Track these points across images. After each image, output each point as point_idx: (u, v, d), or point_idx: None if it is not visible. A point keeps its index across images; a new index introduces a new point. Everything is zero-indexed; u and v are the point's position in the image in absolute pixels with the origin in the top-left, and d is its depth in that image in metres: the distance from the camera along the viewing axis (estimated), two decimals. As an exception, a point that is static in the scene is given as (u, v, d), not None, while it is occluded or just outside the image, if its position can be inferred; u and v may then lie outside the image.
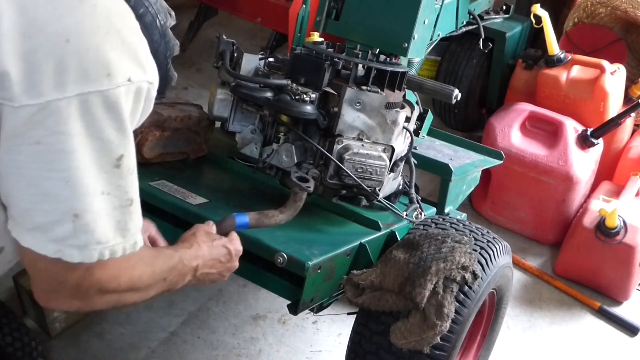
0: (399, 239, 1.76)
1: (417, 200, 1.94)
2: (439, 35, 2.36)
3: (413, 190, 1.95)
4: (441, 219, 1.84)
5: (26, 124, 0.89)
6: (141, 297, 1.14)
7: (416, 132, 2.20)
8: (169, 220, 1.67)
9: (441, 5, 2.28)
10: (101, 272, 1.02)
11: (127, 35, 0.96)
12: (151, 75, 0.99)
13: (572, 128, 2.90)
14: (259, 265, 1.62)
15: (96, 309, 1.09)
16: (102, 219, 0.98)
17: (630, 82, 3.17)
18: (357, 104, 1.69)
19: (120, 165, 0.98)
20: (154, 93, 1.02)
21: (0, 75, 0.86)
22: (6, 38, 0.86)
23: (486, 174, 2.89)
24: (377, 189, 1.77)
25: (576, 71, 3.07)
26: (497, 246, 1.77)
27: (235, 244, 1.41)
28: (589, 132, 2.88)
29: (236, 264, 1.42)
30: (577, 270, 2.77)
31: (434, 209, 2.11)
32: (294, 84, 1.70)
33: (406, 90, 1.92)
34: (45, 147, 0.91)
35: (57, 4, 0.90)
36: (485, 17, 3.23)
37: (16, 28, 0.87)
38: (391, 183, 1.88)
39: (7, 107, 0.88)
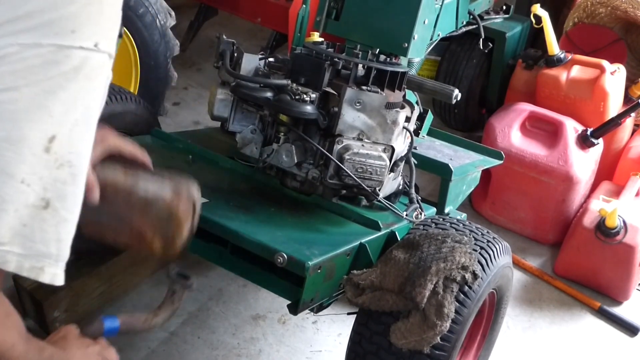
0: (399, 239, 1.76)
1: (417, 200, 1.94)
2: (439, 35, 2.36)
3: (413, 190, 1.95)
4: (441, 219, 1.84)
5: None
6: None
7: (416, 132, 2.20)
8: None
9: (441, 5, 2.28)
10: None
11: (106, 4, 0.85)
12: (113, 48, 0.85)
13: (572, 128, 2.90)
14: (259, 265, 1.63)
15: None
16: (8, 213, 0.79)
17: (630, 82, 3.17)
18: (357, 104, 1.69)
19: (49, 149, 0.80)
20: (111, 75, 0.88)
21: None
22: None
23: (486, 174, 2.89)
24: (377, 189, 1.77)
25: (576, 71, 3.07)
26: (497, 246, 1.77)
27: (111, 353, 1.21)
28: (589, 132, 2.88)
29: None
30: (577, 270, 2.77)
31: (434, 209, 2.11)
32: (294, 84, 1.70)
33: (406, 90, 1.92)
34: None
35: None
36: (485, 17, 3.23)
37: None
38: (391, 183, 1.88)
39: None
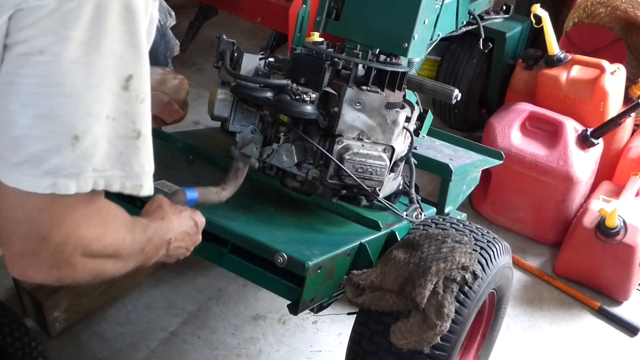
0: (399, 239, 1.76)
1: (417, 200, 1.94)
2: (439, 35, 2.36)
3: (413, 190, 1.95)
4: (441, 219, 1.84)
5: (35, 29, 0.82)
6: (121, 269, 1.06)
7: (416, 132, 2.20)
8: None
9: (441, 5, 2.28)
10: (88, 228, 0.93)
11: None
12: None
13: (572, 128, 2.90)
14: (259, 265, 1.63)
15: (76, 280, 0.97)
16: (103, 145, 0.89)
17: (630, 82, 3.17)
18: (357, 104, 1.69)
19: (128, 87, 0.90)
20: (157, 14, 0.96)
21: None
22: None
23: (486, 174, 2.89)
24: (377, 189, 1.77)
25: (576, 71, 3.07)
26: (497, 246, 1.77)
27: (199, 216, 1.37)
28: (589, 132, 2.88)
29: (200, 237, 1.37)
30: (577, 270, 2.77)
31: (434, 209, 2.11)
32: (294, 84, 1.70)
33: (406, 90, 1.92)
34: (49, 57, 0.83)
35: None
36: (485, 17, 3.23)
37: None
38: (391, 183, 1.88)
39: (19, 12, 0.81)
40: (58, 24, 0.82)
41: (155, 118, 1.86)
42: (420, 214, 1.90)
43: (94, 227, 0.94)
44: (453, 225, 1.80)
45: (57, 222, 0.89)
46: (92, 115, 0.86)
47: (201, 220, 1.37)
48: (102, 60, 0.86)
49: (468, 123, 3.67)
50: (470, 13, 2.73)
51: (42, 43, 0.82)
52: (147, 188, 0.97)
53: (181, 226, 1.29)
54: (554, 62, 3.10)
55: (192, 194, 1.45)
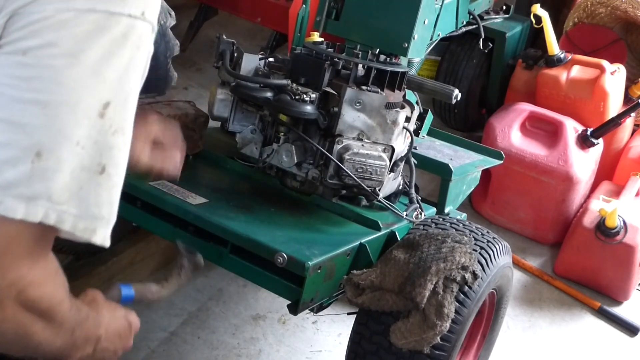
0: (399, 239, 1.76)
1: (417, 200, 1.94)
2: (439, 35, 2.35)
3: (413, 190, 1.95)
4: (441, 219, 1.84)
5: (23, 31, 0.78)
6: (48, 339, 0.91)
7: (416, 132, 2.20)
8: (169, 220, 1.67)
9: (441, 5, 2.28)
10: (29, 268, 0.83)
11: None
12: (156, 20, 0.89)
13: (572, 128, 2.90)
14: (259, 265, 1.63)
15: (5, 331, 0.85)
16: (64, 173, 0.81)
17: (630, 82, 3.17)
18: (357, 104, 1.69)
19: (104, 115, 0.83)
20: (152, 49, 0.90)
21: None
22: None
23: (486, 174, 2.89)
24: (377, 189, 1.77)
25: (576, 71, 3.07)
26: (497, 246, 1.77)
27: (134, 318, 1.23)
28: (589, 132, 2.88)
29: (131, 342, 1.23)
30: (577, 270, 2.77)
31: (434, 209, 2.11)
32: (294, 84, 1.70)
33: (406, 90, 1.92)
34: (31, 59, 0.78)
35: None
36: (485, 17, 3.23)
37: None
38: (391, 183, 1.88)
39: (15, 16, 0.79)
40: (48, 29, 0.79)
41: None
42: (420, 214, 1.90)
43: (37, 269, 0.84)
44: (453, 225, 1.80)
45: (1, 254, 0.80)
46: (63, 135, 0.80)
47: (136, 323, 1.24)
48: (85, 78, 0.81)
49: (468, 123, 3.67)
50: (470, 13, 2.73)
51: (28, 45, 0.78)
52: (100, 235, 0.87)
53: (113, 325, 1.15)
54: (554, 62, 3.10)
55: (128, 291, 1.37)
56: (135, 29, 0.85)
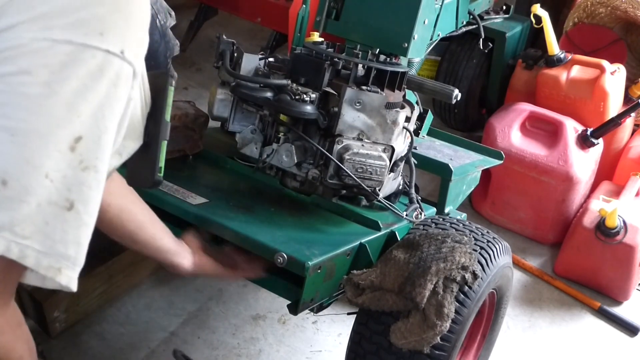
0: (399, 239, 1.76)
1: (417, 200, 1.94)
2: (439, 35, 2.35)
3: (413, 190, 1.95)
4: (441, 219, 1.84)
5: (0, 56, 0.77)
6: None
7: (416, 132, 2.20)
8: (169, 220, 1.67)
9: (441, 5, 2.28)
10: None
11: (136, 11, 0.86)
12: (138, 66, 0.86)
13: (572, 128, 2.90)
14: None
15: None
16: (30, 205, 0.78)
17: (630, 82, 3.17)
18: (357, 104, 1.69)
19: (75, 149, 0.80)
20: (136, 92, 0.88)
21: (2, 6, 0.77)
22: None
23: (486, 174, 2.89)
24: (377, 189, 1.77)
25: (576, 71, 3.07)
26: (497, 246, 1.77)
27: None
28: (589, 132, 2.88)
29: None
30: (577, 270, 2.77)
31: (434, 209, 2.11)
32: (294, 84, 1.70)
33: (406, 90, 1.92)
34: (4, 85, 0.77)
35: None
36: (485, 17, 3.23)
37: None
38: (391, 183, 1.88)
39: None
40: (23, 56, 0.77)
41: (179, 150, 1.92)
42: (420, 214, 1.90)
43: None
44: (453, 225, 1.80)
45: None
46: (31, 164, 0.77)
47: None
48: (58, 109, 0.78)
49: (468, 123, 3.67)
50: (470, 13, 2.73)
51: (1, 71, 0.77)
52: (65, 275, 0.82)
53: None
54: (554, 62, 3.10)
55: None
56: (113, 65, 0.82)
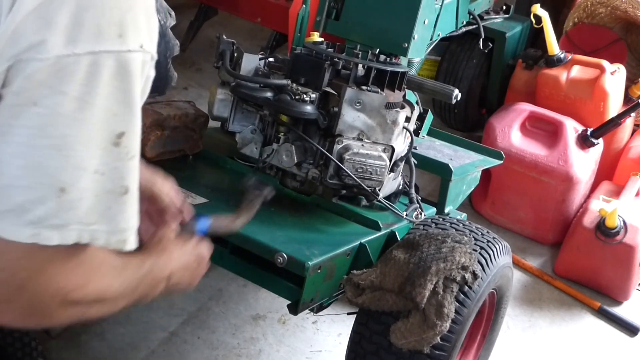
0: (399, 239, 1.76)
1: (417, 200, 1.94)
2: (439, 35, 2.36)
3: (413, 190, 1.95)
4: (441, 219, 1.84)
5: (30, 81, 0.83)
6: (108, 310, 1.02)
7: (416, 132, 2.20)
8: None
9: (441, 5, 2.28)
10: (68, 278, 0.91)
11: (142, 4, 0.91)
12: (155, 50, 0.93)
13: (572, 128, 2.90)
14: (259, 265, 1.63)
15: (54, 325, 0.95)
16: (89, 199, 0.88)
17: (630, 82, 3.17)
18: (357, 104, 1.69)
19: (119, 144, 0.89)
20: (153, 72, 0.95)
21: (13, 33, 0.82)
22: None
23: (486, 174, 2.89)
24: (377, 189, 1.77)
25: (576, 71, 3.07)
26: (497, 246, 1.77)
27: (205, 247, 1.34)
28: (589, 132, 2.88)
29: (204, 269, 1.35)
30: (577, 270, 2.77)
31: (434, 209, 2.11)
32: (294, 84, 1.70)
33: (406, 90, 1.92)
34: (42, 109, 0.83)
35: None
36: (485, 17, 3.23)
37: None
38: (391, 183, 1.88)
39: (17, 64, 0.83)
40: (53, 78, 0.82)
41: (180, 150, 1.93)
42: (420, 214, 1.90)
43: (75, 277, 0.92)
44: (453, 225, 1.80)
45: (35, 272, 0.88)
46: (80, 168, 0.86)
47: (206, 252, 1.34)
48: (95, 116, 0.86)
49: (468, 123, 3.67)
50: (470, 13, 2.73)
51: (37, 95, 0.83)
52: (130, 242, 0.96)
53: (182, 260, 1.26)
54: (554, 62, 3.10)
55: (202, 224, 1.42)
56: (135, 60, 0.88)
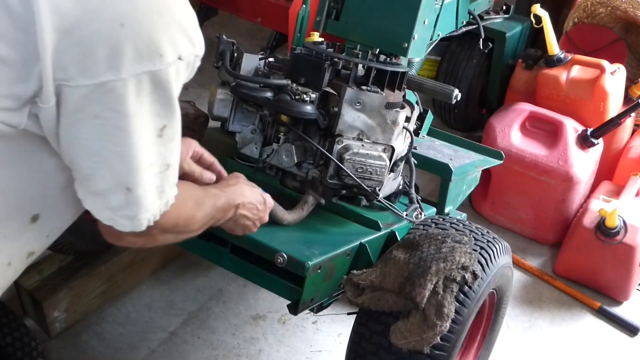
0: (399, 239, 1.76)
1: (417, 200, 1.94)
2: (439, 35, 2.35)
3: (413, 190, 1.95)
4: (441, 219, 1.84)
5: (84, 100, 0.94)
6: (194, 233, 1.28)
7: (416, 132, 2.20)
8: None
9: (441, 5, 2.28)
10: (160, 221, 1.12)
11: (178, 12, 1.00)
12: (199, 48, 1.06)
13: (572, 128, 2.90)
14: (259, 265, 1.63)
15: (158, 244, 1.22)
16: (150, 189, 1.06)
17: (630, 82, 3.17)
18: (357, 104, 1.69)
19: (162, 135, 1.04)
20: (199, 63, 1.09)
21: (57, 59, 0.91)
22: (63, 24, 0.89)
23: (486, 174, 2.89)
24: (377, 189, 1.77)
25: (576, 71, 3.06)
26: (497, 246, 1.77)
27: (269, 198, 1.54)
28: (589, 132, 2.88)
29: (267, 217, 1.54)
30: (577, 270, 2.77)
31: (434, 209, 2.11)
32: (294, 84, 1.70)
33: (406, 90, 1.92)
34: (102, 120, 0.96)
35: None
36: (485, 17, 3.23)
37: (73, 14, 0.90)
38: (391, 183, 1.88)
39: (65, 87, 0.93)
40: (105, 96, 0.94)
41: None
42: (420, 214, 1.90)
43: (165, 218, 1.13)
44: (453, 225, 1.80)
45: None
46: (140, 168, 1.02)
47: (270, 201, 1.54)
48: (144, 122, 1.00)
49: (468, 123, 3.67)
50: (470, 13, 2.73)
51: (95, 110, 0.95)
52: (172, 196, 1.14)
53: (252, 197, 1.46)
54: (554, 62, 3.10)
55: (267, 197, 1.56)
56: (176, 69, 1.00)
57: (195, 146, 1.51)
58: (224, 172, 1.55)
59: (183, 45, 1.00)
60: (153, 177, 1.06)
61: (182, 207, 1.17)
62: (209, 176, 1.49)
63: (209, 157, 1.53)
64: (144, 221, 1.08)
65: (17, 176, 1.04)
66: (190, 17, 1.04)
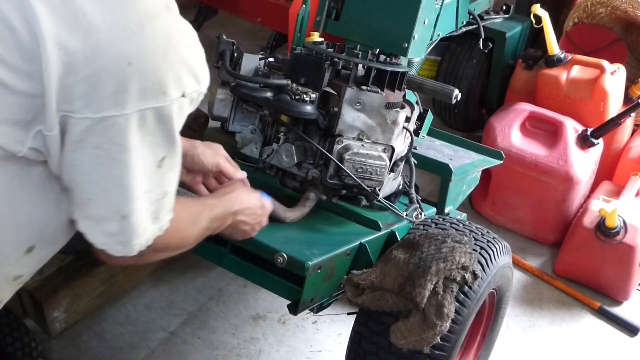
0: (399, 239, 1.76)
1: (417, 200, 1.94)
2: (439, 35, 2.36)
3: (413, 190, 1.95)
4: (441, 219, 1.84)
5: (87, 132, 0.97)
6: (188, 247, 1.29)
7: (416, 132, 2.20)
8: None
9: (441, 5, 2.28)
10: (153, 245, 1.13)
11: (185, 51, 1.03)
12: (203, 85, 1.08)
13: (572, 128, 2.90)
14: (259, 265, 1.63)
15: (150, 262, 1.24)
16: (144, 217, 1.08)
17: (630, 82, 3.17)
18: (357, 104, 1.69)
19: (161, 165, 1.07)
20: (202, 97, 1.10)
21: (63, 92, 0.94)
22: (70, 60, 0.93)
23: (486, 174, 2.89)
24: (377, 189, 1.77)
25: (576, 71, 3.06)
26: (497, 246, 1.77)
27: (267, 202, 1.56)
28: (589, 132, 2.88)
29: (266, 221, 1.55)
30: (577, 270, 2.77)
31: (434, 209, 2.11)
32: (294, 84, 1.70)
33: (406, 90, 1.92)
34: (103, 151, 0.99)
35: (119, 29, 0.95)
36: (485, 17, 3.23)
37: (82, 52, 0.93)
38: (391, 183, 1.88)
39: (71, 118, 0.96)
40: (108, 129, 0.97)
41: None
42: (420, 214, 1.90)
43: (157, 240, 1.15)
44: (453, 225, 1.80)
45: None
46: (135, 198, 1.05)
47: (269, 205, 1.56)
48: (144, 155, 1.03)
49: (468, 123, 3.67)
50: (470, 13, 2.73)
51: (97, 141, 0.98)
52: (165, 223, 1.15)
53: (249, 202, 1.47)
54: (554, 62, 3.10)
55: (264, 195, 1.57)
56: (179, 106, 1.03)
57: (222, 149, 1.59)
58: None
59: (188, 83, 1.03)
60: (148, 205, 1.08)
61: (176, 228, 1.19)
62: (241, 175, 1.59)
63: (231, 172, 1.60)
64: (137, 247, 1.10)
65: (17, 210, 1.05)
66: (196, 54, 1.07)
